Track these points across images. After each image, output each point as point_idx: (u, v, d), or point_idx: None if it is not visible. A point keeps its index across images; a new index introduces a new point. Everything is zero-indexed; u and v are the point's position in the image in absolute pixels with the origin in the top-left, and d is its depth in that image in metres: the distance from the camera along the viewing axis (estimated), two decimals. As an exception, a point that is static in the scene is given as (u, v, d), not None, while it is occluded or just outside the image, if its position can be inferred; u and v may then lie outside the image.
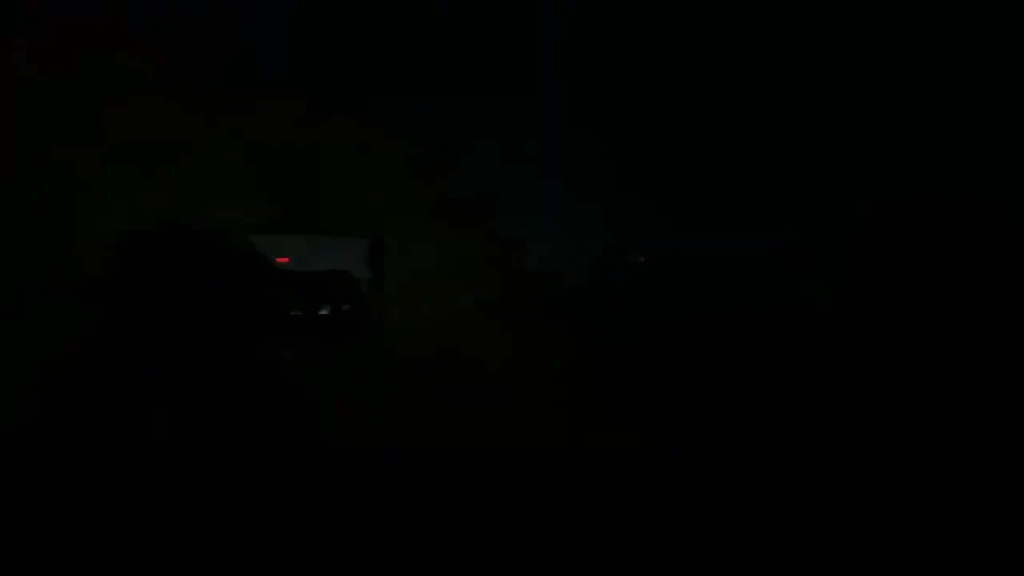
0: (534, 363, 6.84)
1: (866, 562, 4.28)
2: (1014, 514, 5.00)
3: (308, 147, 6.60)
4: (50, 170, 6.10)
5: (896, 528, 4.80)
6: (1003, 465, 6.03)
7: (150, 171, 6.25)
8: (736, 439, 7.09)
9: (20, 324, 5.87)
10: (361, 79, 6.98)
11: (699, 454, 6.67)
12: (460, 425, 6.57)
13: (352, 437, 6.21)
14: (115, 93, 6.19)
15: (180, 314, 1.31)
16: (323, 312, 13.35)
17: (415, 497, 5.32)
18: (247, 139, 6.48)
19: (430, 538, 4.37)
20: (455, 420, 6.60)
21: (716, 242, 11.23)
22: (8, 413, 5.46)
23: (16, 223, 6.04)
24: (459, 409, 6.63)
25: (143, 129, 6.27)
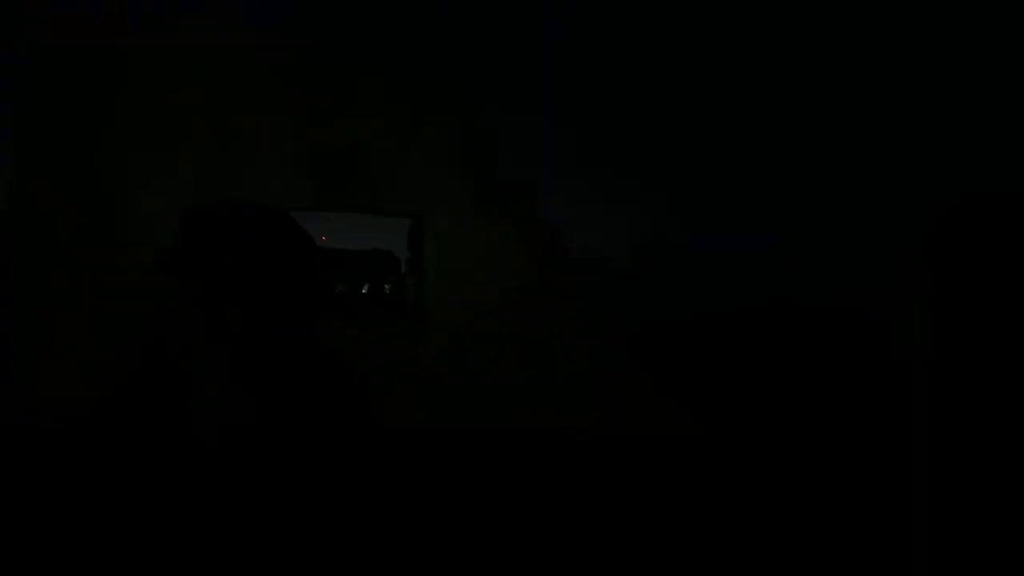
0: (570, 346, 6.90)
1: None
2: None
3: (351, 127, 6.68)
4: (104, 156, 6.28)
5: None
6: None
7: (198, 152, 6.41)
8: (767, 426, 7.09)
9: (89, 305, 6.10)
10: (406, 60, 7.05)
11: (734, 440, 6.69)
12: (494, 402, 6.69)
13: (391, 412, 6.36)
14: (158, 75, 6.32)
15: (240, 290, 1.38)
16: (364, 291, 13.58)
17: (446, 470, 5.46)
18: (292, 119, 6.60)
19: (455, 508, 4.50)
20: (491, 397, 6.72)
21: (748, 238, 11.16)
22: (78, 392, 5.70)
23: (81, 208, 6.25)
24: (495, 387, 6.75)
25: (191, 112, 6.41)
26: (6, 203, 6.21)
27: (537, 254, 6.93)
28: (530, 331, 6.85)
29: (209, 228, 1.49)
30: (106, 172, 6.26)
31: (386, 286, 13.14)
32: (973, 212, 8.80)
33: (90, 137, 6.20)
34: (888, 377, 8.26)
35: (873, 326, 8.88)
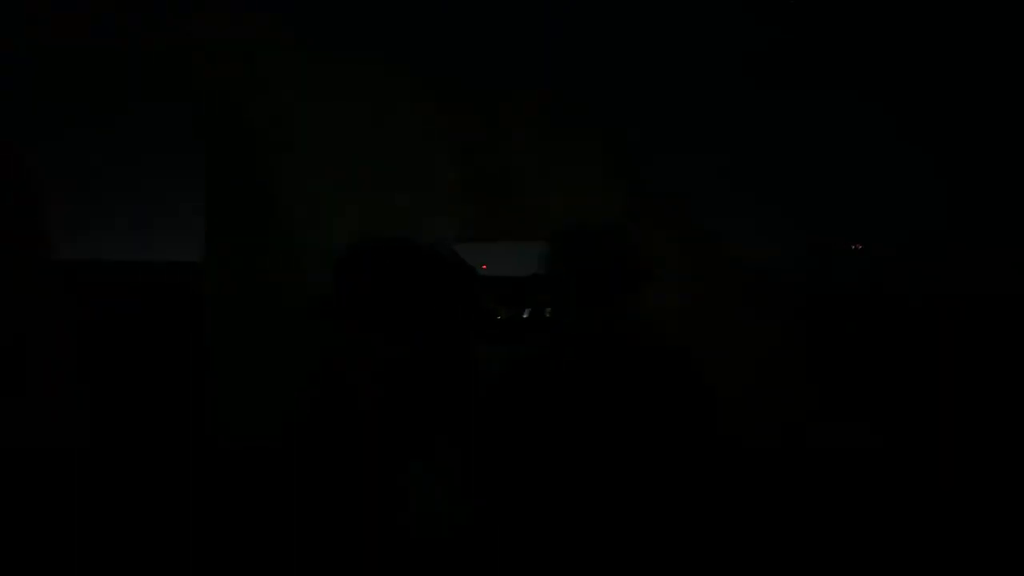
0: (740, 361, 6.56)
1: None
2: None
3: (506, 152, 6.71)
4: (267, 183, 6.48)
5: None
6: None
7: (359, 183, 6.56)
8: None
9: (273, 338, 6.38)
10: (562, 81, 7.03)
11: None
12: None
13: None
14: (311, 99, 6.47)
15: (404, 325, 1.41)
16: (525, 316, 13.74)
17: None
18: (453, 147, 6.66)
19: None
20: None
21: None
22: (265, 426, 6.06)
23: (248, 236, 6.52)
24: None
25: (350, 138, 6.56)
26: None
27: (695, 265, 6.64)
28: (704, 347, 6.55)
29: (362, 271, 1.53)
30: (283, 200, 6.37)
31: (547, 310, 13.18)
32: None
33: (270, 162, 6.35)
34: None
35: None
